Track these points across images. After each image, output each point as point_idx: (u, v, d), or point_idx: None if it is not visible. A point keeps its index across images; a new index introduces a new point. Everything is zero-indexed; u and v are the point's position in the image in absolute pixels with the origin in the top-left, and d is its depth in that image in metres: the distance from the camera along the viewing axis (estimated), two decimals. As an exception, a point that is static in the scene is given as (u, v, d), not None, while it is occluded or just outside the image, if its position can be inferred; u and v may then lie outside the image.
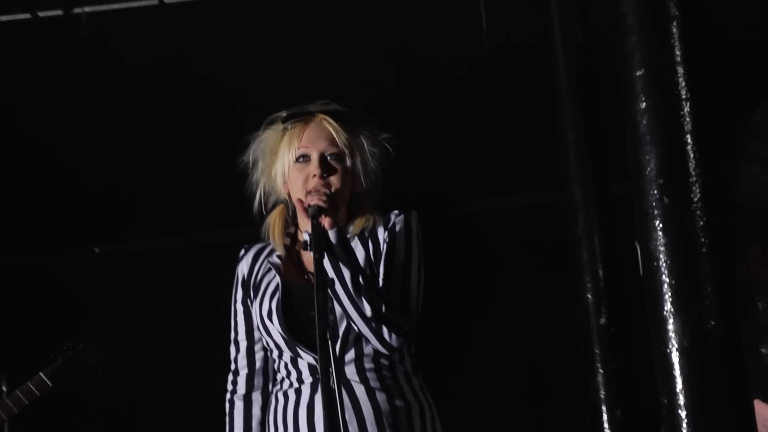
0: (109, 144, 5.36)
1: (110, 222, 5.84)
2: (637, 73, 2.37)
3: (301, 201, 3.03)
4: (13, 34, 4.95)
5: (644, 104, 2.36)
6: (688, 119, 2.34)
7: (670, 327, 2.29)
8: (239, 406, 3.18)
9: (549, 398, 6.03)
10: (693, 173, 2.32)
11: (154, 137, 5.30)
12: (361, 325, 3.03)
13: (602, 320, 3.51)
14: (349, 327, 3.06)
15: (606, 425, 3.49)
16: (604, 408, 3.47)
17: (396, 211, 3.19)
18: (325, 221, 2.97)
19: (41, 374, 3.72)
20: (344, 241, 3.01)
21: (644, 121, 2.36)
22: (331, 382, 2.90)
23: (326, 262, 2.96)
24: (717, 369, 2.27)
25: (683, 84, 2.35)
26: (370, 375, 3.09)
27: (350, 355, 3.09)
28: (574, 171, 3.52)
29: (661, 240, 2.31)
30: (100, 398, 5.73)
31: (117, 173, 5.55)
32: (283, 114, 3.18)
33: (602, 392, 3.47)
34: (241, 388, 3.19)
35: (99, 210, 5.74)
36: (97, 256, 6.19)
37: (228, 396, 3.20)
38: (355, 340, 3.09)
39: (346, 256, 2.99)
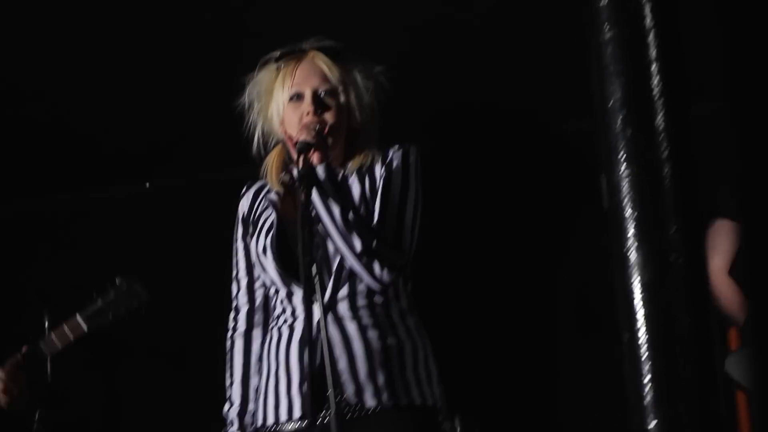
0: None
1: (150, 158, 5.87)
2: (601, 3, 2.31)
3: (290, 137, 3.03)
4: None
5: (608, 34, 2.30)
6: (652, 49, 2.28)
7: (632, 260, 2.25)
8: (239, 343, 3.20)
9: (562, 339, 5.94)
10: (657, 104, 2.27)
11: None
12: (351, 261, 3.03)
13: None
14: (341, 263, 3.05)
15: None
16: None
17: (395, 146, 3.16)
18: (314, 156, 2.96)
19: (78, 316, 3.55)
20: (333, 177, 3.00)
21: (608, 51, 2.30)
22: (318, 318, 2.92)
23: (315, 198, 2.95)
24: (679, 304, 2.22)
25: (648, 12, 2.29)
26: (362, 312, 3.08)
27: (343, 291, 3.08)
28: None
29: (625, 172, 2.26)
30: (147, 337, 5.83)
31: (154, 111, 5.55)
32: (277, 53, 3.16)
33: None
34: (242, 326, 3.21)
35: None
36: (146, 190, 6.22)
37: (229, 333, 3.22)
38: (348, 276, 3.07)
39: (335, 192, 2.98)
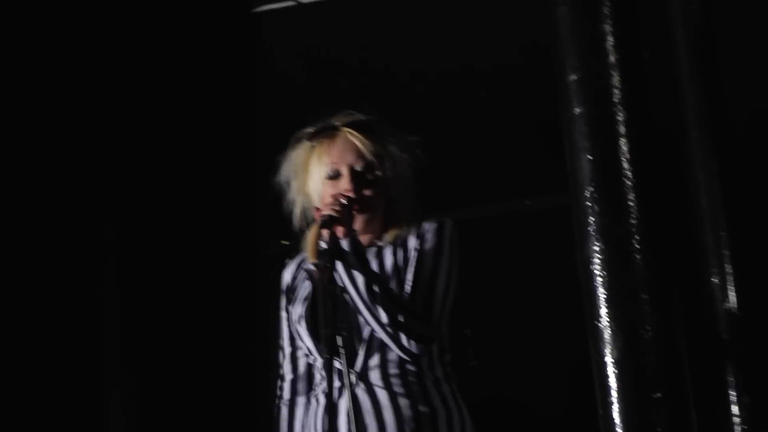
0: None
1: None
2: (571, 78, 2.35)
3: (318, 211, 3.09)
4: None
5: (577, 110, 2.34)
6: (620, 126, 2.30)
7: (605, 335, 2.27)
8: (284, 412, 3.25)
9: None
10: (625, 181, 2.29)
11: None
12: (379, 332, 3.07)
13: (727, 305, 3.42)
14: (372, 333, 3.10)
15: (735, 411, 3.41)
16: (732, 394, 3.38)
17: (431, 220, 3.20)
18: (339, 230, 3.02)
19: None
20: (358, 249, 3.04)
21: (577, 127, 2.33)
22: (341, 388, 2.99)
23: (340, 270, 3.02)
24: (650, 381, 2.23)
25: (616, 91, 2.32)
26: (394, 380, 3.11)
27: (374, 360, 3.11)
28: (696, 154, 3.38)
29: (595, 247, 2.29)
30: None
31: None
32: (309, 131, 3.23)
33: (730, 378, 3.38)
34: (286, 394, 3.25)
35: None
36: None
37: (276, 402, 3.28)
38: (379, 346, 3.10)
39: (360, 265, 3.02)
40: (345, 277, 3.04)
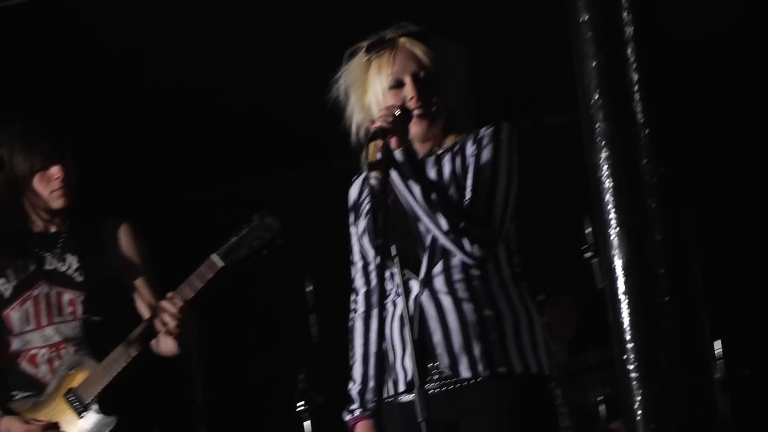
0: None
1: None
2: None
3: (372, 123, 3.13)
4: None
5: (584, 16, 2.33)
6: (626, 31, 2.29)
7: (614, 240, 2.28)
8: (359, 324, 3.32)
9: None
10: (633, 92, 2.27)
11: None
12: (441, 238, 3.12)
13: None
14: (434, 240, 3.15)
15: None
16: None
17: (489, 125, 3.21)
18: (392, 141, 3.06)
19: (213, 255, 3.62)
20: (412, 159, 3.08)
21: (587, 35, 2.33)
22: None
23: (396, 181, 3.07)
24: (659, 285, 2.24)
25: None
26: (458, 286, 3.15)
27: (438, 267, 3.16)
28: None
29: (604, 155, 2.29)
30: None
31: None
32: (365, 44, 3.27)
33: None
34: (360, 307, 3.32)
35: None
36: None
37: (351, 315, 3.37)
38: (442, 252, 3.15)
39: (416, 173, 3.07)
40: (402, 187, 3.11)
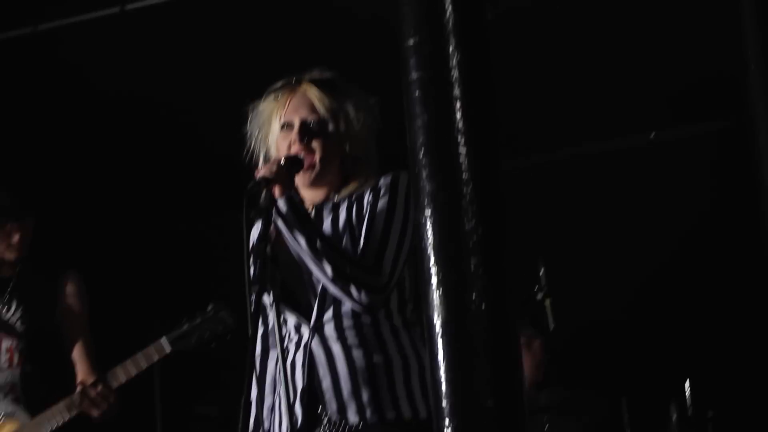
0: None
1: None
2: (410, 42, 2.35)
3: (257, 171, 3.17)
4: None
5: (415, 75, 2.34)
6: (455, 90, 2.30)
7: (434, 298, 2.28)
8: (256, 365, 3.36)
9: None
10: (457, 152, 2.28)
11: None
12: (328, 285, 3.15)
13: None
14: (324, 287, 3.18)
15: None
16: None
17: (388, 174, 3.25)
18: (276, 189, 3.10)
19: (163, 338, 3.73)
20: (296, 208, 3.12)
21: (415, 93, 2.34)
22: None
23: (282, 228, 3.11)
24: (475, 344, 2.24)
25: (452, 56, 2.31)
26: (348, 333, 3.19)
27: (328, 314, 3.20)
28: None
29: (427, 214, 2.30)
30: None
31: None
32: (277, 85, 3.33)
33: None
34: (258, 347, 3.37)
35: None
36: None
37: (249, 355, 3.38)
38: (333, 299, 3.19)
39: (299, 222, 3.11)
40: (288, 236, 3.15)
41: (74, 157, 5.91)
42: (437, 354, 2.25)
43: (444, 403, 2.22)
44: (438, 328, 2.25)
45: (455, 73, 2.29)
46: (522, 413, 2.22)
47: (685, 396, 5.50)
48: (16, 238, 3.74)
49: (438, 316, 2.25)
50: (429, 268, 2.27)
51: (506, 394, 2.21)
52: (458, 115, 2.28)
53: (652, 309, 6.22)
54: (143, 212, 6.44)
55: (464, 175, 2.26)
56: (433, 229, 2.27)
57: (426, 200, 2.28)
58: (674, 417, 5.47)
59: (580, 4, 5.09)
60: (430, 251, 2.27)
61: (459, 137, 2.27)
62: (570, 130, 6.08)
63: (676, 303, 6.22)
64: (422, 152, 2.29)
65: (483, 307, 2.23)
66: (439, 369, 2.24)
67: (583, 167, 6.30)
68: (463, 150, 2.27)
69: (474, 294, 2.24)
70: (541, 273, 5.38)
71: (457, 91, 2.29)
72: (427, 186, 2.28)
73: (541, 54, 5.39)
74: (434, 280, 2.27)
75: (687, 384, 5.51)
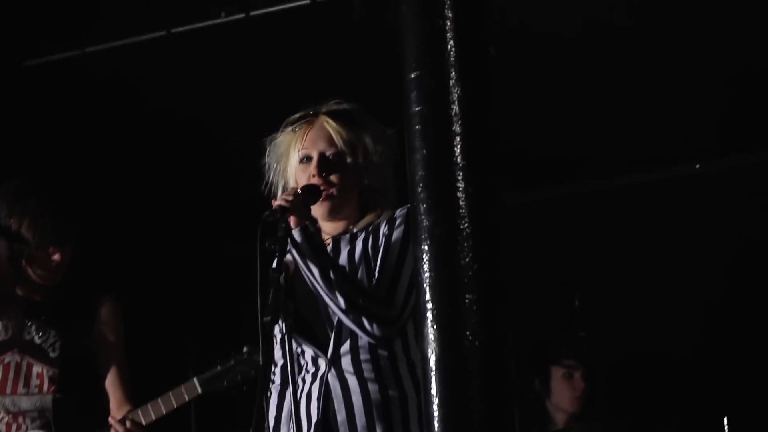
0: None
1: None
2: (412, 75, 2.35)
3: (273, 201, 3.18)
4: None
5: (416, 108, 2.34)
6: (455, 125, 2.29)
7: (429, 333, 2.27)
8: (273, 395, 3.35)
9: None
10: (456, 188, 2.27)
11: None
12: (341, 317, 3.16)
13: None
14: (341, 319, 3.18)
15: None
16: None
17: (404, 206, 3.25)
18: (291, 221, 3.12)
19: (195, 379, 3.73)
20: (311, 239, 3.12)
21: (416, 127, 2.34)
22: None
23: (298, 260, 3.12)
24: (470, 381, 2.23)
25: (453, 90, 2.30)
26: (365, 366, 3.18)
27: (345, 347, 3.20)
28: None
29: (424, 249, 2.29)
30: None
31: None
32: (294, 117, 3.35)
33: None
34: (277, 379, 3.37)
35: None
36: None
37: (269, 386, 3.38)
38: (349, 332, 3.19)
39: (313, 253, 3.11)
40: (302, 266, 3.15)
41: (113, 179, 5.95)
42: (430, 390, 2.23)
43: (438, 440, 2.20)
44: (432, 364, 2.24)
45: (455, 108, 2.28)
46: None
47: (724, 432, 5.43)
48: (55, 263, 3.77)
49: (432, 351, 2.24)
50: (424, 303, 2.26)
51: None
52: (457, 150, 2.26)
53: (693, 343, 6.14)
54: (185, 237, 6.46)
55: (461, 211, 2.25)
56: (429, 264, 2.26)
57: (423, 235, 2.27)
58: (709, 454, 5.40)
59: (616, 30, 5.07)
60: (426, 286, 2.26)
61: (457, 172, 2.26)
62: (609, 159, 6.04)
63: (718, 338, 6.14)
64: (420, 186, 2.28)
65: (477, 344, 2.21)
66: (432, 405, 2.23)
67: (626, 198, 6.24)
68: (461, 185, 2.26)
69: (468, 330, 2.21)
70: (576, 305, 5.34)
71: (456, 127, 2.27)
72: (424, 220, 2.27)
73: (576, 80, 5.37)
74: (429, 315, 2.25)
75: (725, 421, 5.44)
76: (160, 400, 3.68)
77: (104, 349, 3.91)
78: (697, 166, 6.33)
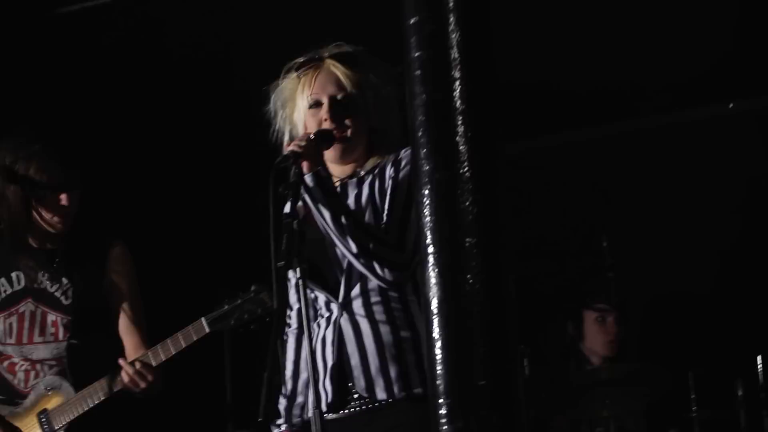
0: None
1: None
2: (411, 21, 2.35)
3: (286, 146, 3.18)
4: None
5: (416, 53, 2.35)
6: (454, 70, 2.30)
7: (431, 277, 2.29)
8: (291, 341, 3.35)
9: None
10: (455, 132, 2.28)
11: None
12: (353, 261, 3.16)
13: None
14: (351, 263, 3.19)
15: None
16: None
17: (408, 146, 3.22)
18: (304, 165, 3.12)
19: (203, 319, 3.72)
20: (323, 184, 3.12)
21: (416, 72, 2.35)
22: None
23: (310, 205, 3.13)
24: (471, 323, 2.25)
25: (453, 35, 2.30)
26: (376, 308, 3.19)
27: (356, 290, 3.20)
28: None
29: (425, 193, 2.31)
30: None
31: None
32: (298, 61, 3.33)
33: None
34: (294, 323, 3.38)
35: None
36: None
37: (285, 330, 3.39)
38: (359, 276, 3.19)
39: (325, 198, 3.12)
40: (314, 211, 3.16)
41: (120, 123, 5.96)
42: (432, 333, 2.26)
43: (438, 382, 2.23)
44: (433, 307, 2.26)
45: (455, 53, 2.28)
46: (515, 392, 2.22)
47: (757, 371, 5.42)
48: (64, 208, 3.80)
49: (434, 295, 2.26)
50: (426, 247, 2.28)
51: (500, 373, 2.22)
52: (456, 95, 2.27)
53: (725, 283, 6.12)
54: (197, 183, 6.47)
55: (461, 156, 2.26)
56: (430, 209, 2.28)
57: (424, 179, 2.28)
58: (740, 393, 5.39)
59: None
60: (426, 230, 2.28)
61: (457, 117, 2.27)
62: (639, 99, 5.99)
63: (750, 277, 6.11)
64: (421, 131, 2.30)
65: (477, 287, 2.23)
66: (434, 348, 2.25)
67: (655, 138, 6.20)
68: (460, 129, 2.27)
69: (469, 274, 2.23)
70: (604, 246, 5.34)
71: (456, 72, 2.28)
72: (424, 165, 2.29)
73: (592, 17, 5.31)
74: (430, 259, 2.27)
75: (759, 359, 5.42)
76: (168, 341, 3.71)
77: (117, 294, 3.94)
78: (731, 105, 6.27)
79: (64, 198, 3.81)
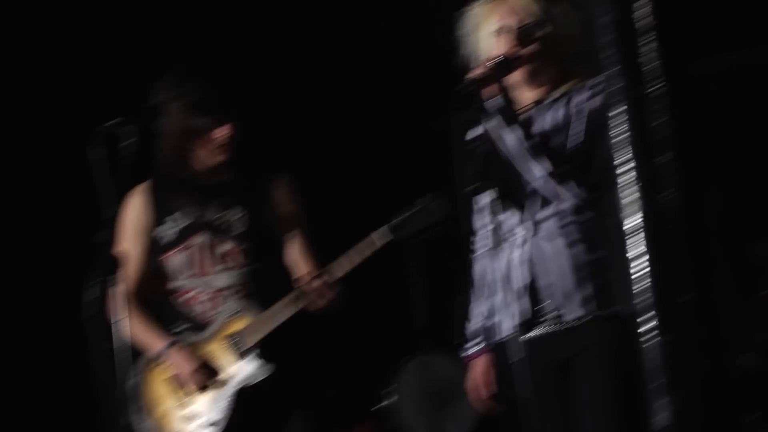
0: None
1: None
2: None
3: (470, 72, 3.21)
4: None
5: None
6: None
7: (627, 195, 2.32)
8: (478, 265, 3.44)
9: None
10: (647, 47, 2.30)
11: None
12: (537, 184, 3.21)
13: None
14: (537, 186, 3.23)
15: None
16: None
17: (599, 77, 3.23)
18: (488, 90, 3.16)
19: (385, 226, 3.75)
20: (504, 110, 3.17)
21: None
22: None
23: (494, 128, 3.17)
24: (668, 242, 2.27)
25: None
26: (565, 229, 3.21)
27: (544, 212, 3.23)
28: None
29: (619, 111, 2.33)
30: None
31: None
32: None
33: None
34: (480, 248, 3.44)
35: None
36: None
37: (472, 253, 3.47)
38: (547, 198, 3.22)
39: (508, 123, 3.16)
40: (498, 135, 3.21)
41: (283, 49, 5.98)
42: (631, 249, 2.28)
43: (644, 298, 2.26)
44: (633, 224, 2.28)
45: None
46: (722, 306, 2.24)
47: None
48: (224, 139, 3.87)
49: (632, 211, 2.28)
50: (621, 164, 2.30)
51: (704, 287, 2.24)
52: (647, 12, 2.27)
53: None
54: (372, 111, 6.48)
55: (655, 73, 2.27)
56: (626, 125, 2.29)
57: (618, 97, 2.30)
58: None
59: None
60: (621, 147, 2.30)
61: (649, 34, 2.27)
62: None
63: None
64: (612, 49, 2.31)
65: (676, 201, 2.25)
66: (635, 265, 2.28)
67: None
68: (652, 46, 2.27)
69: (666, 188, 2.25)
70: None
71: (645, -12, 2.28)
72: (617, 83, 2.30)
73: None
74: (627, 175, 2.29)
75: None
76: (352, 251, 3.75)
77: (284, 224, 4.01)
78: None
79: (222, 130, 3.87)
